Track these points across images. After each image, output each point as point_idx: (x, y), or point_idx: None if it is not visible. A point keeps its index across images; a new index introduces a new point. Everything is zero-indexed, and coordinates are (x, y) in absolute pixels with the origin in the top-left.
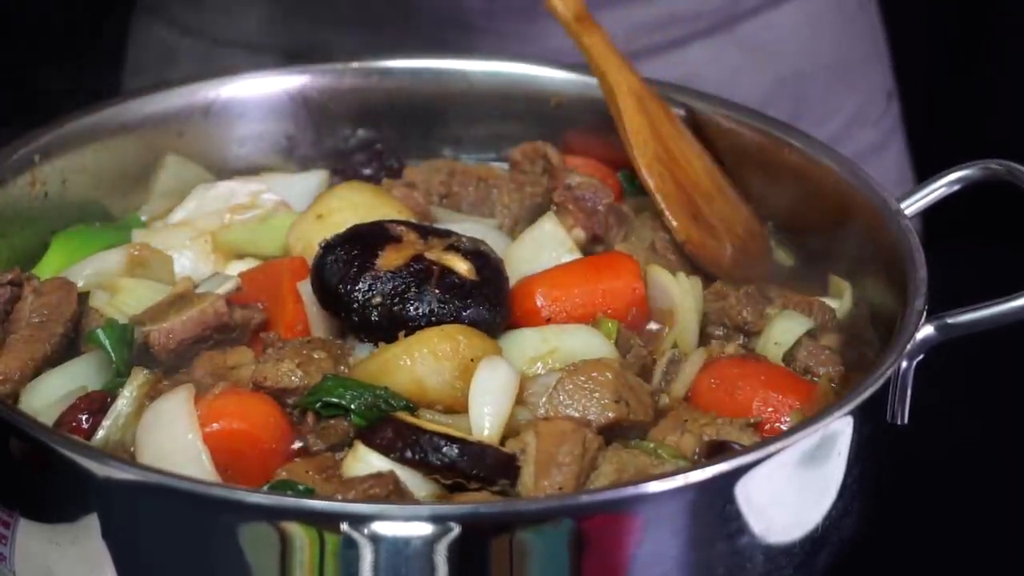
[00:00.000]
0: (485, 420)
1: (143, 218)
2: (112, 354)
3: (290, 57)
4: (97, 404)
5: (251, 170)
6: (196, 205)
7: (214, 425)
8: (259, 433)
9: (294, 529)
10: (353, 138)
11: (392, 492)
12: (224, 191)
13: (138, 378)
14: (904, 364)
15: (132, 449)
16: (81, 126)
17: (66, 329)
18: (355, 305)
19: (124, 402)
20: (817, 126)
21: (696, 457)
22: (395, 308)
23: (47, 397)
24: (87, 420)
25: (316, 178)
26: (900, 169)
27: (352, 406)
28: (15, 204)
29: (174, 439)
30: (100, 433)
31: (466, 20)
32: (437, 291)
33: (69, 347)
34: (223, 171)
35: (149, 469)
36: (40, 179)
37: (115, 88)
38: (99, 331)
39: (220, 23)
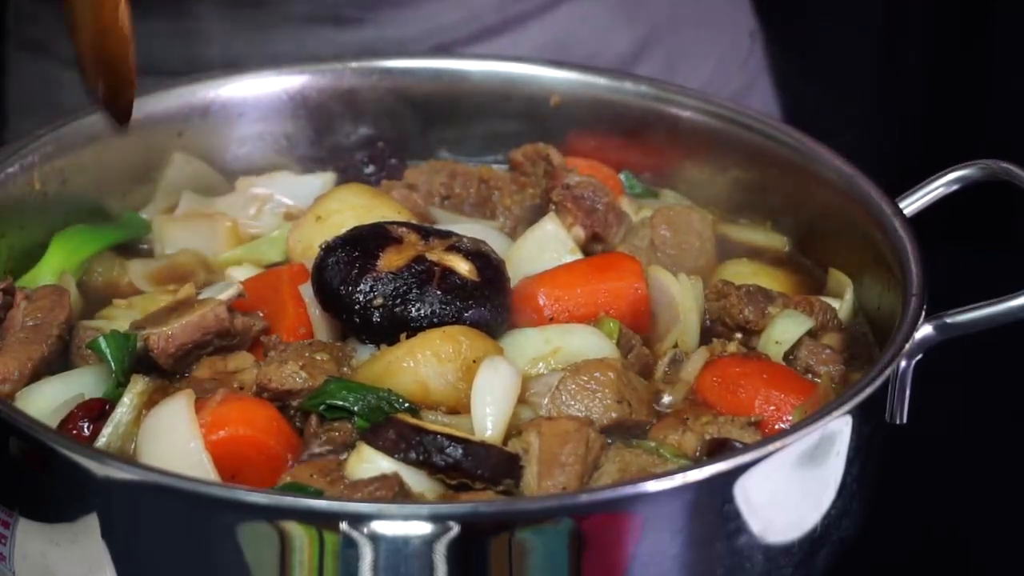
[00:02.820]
0: (487, 420)
1: (145, 216)
2: (112, 363)
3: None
4: (96, 411)
5: (251, 170)
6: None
7: (220, 432)
8: (265, 438)
9: (294, 529)
10: (354, 135)
11: (398, 494)
12: (223, 206)
13: (137, 385)
14: (903, 364)
15: (132, 455)
16: (81, 126)
17: (61, 331)
18: (356, 307)
19: (124, 410)
20: (692, 73)
21: (698, 456)
22: (397, 309)
23: (44, 405)
24: (88, 427)
25: (322, 179)
26: (766, 107)
27: (355, 408)
28: (15, 204)
29: (175, 446)
30: (101, 441)
31: (338, 14)
32: (439, 292)
33: (62, 358)
34: (224, 171)
35: (149, 469)
36: (40, 179)
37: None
38: (100, 340)
39: None
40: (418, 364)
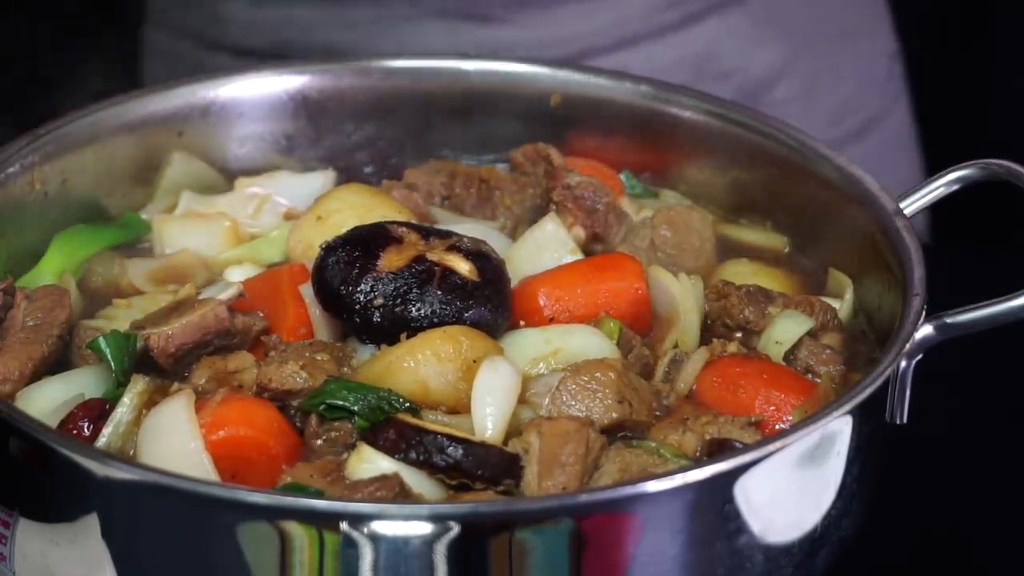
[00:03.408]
0: (488, 420)
1: (145, 216)
2: (112, 363)
3: None
4: (96, 411)
5: (251, 170)
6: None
7: (220, 432)
8: (265, 438)
9: (294, 529)
10: (354, 135)
11: (398, 494)
12: (223, 204)
13: (137, 385)
14: (903, 364)
15: (132, 456)
16: (81, 126)
17: (62, 331)
18: (357, 307)
19: (124, 410)
20: (832, 91)
21: (698, 456)
22: (397, 309)
23: (44, 405)
24: (88, 427)
25: (322, 179)
26: (904, 129)
27: (355, 408)
28: (15, 204)
29: (175, 447)
30: (101, 441)
31: (482, 12)
32: (439, 292)
33: (62, 358)
34: (224, 171)
35: (149, 469)
36: (40, 179)
37: None
38: (100, 340)
39: (241, 35)
40: (418, 364)
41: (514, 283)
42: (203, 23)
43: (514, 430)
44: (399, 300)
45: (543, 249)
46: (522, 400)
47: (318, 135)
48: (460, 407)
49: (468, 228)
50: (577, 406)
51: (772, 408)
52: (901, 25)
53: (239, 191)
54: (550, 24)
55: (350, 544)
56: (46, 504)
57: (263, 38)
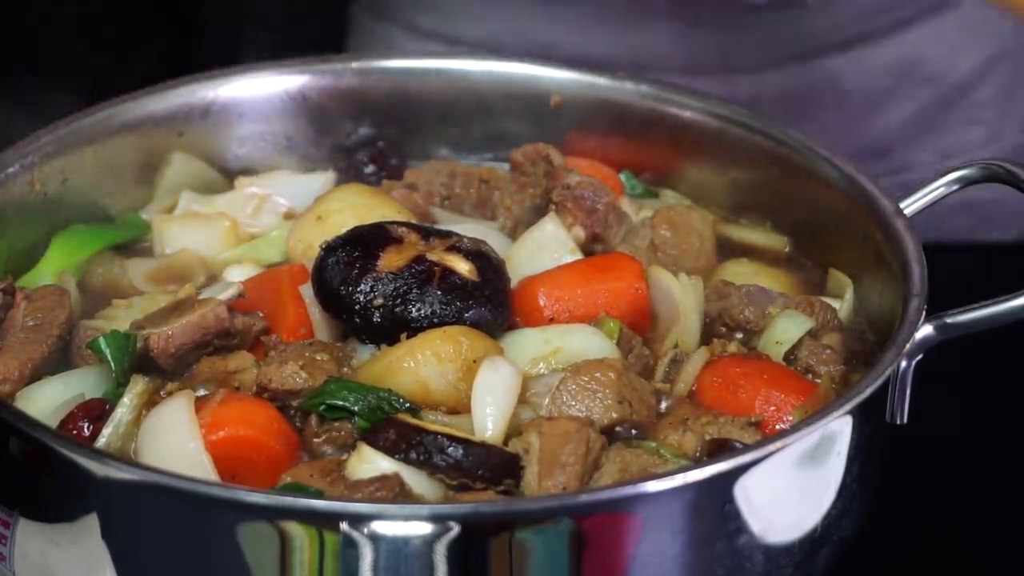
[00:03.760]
0: (488, 421)
1: (145, 216)
2: (112, 363)
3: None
4: (96, 411)
5: (251, 170)
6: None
7: (220, 433)
8: (265, 439)
9: (294, 529)
10: (354, 135)
11: (398, 495)
12: (223, 204)
13: (137, 385)
14: (903, 364)
15: (132, 456)
16: (81, 126)
17: (61, 331)
18: (357, 307)
19: (124, 410)
20: None
21: (698, 456)
22: (397, 309)
23: (44, 405)
24: (88, 427)
25: (322, 179)
26: None
27: (356, 408)
28: (15, 204)
29: (174, 447)
30: (101, 441)
31: (709, 15)
32: (439, 292)
33: (62, 358)
34: (224, 171)
35: (149, 469)
36: (40, 179)
37: None
38: (100, 340)
39: (456, 25)
40: (418, 364)
41: (514, 283)
42: (415, 10)
43: (514, 430)
44: (399, 300)
45: (543, 249)
46: (522, 400)
47: (318, 135)
48: (460, 407)
49: (468, 228)
50: (577, 406)
51: (772, 408)
52: None
53: (239, 191)
54: (766, 28)
55: (350, 544)
56: (46, 504)
57: (480, 31)
